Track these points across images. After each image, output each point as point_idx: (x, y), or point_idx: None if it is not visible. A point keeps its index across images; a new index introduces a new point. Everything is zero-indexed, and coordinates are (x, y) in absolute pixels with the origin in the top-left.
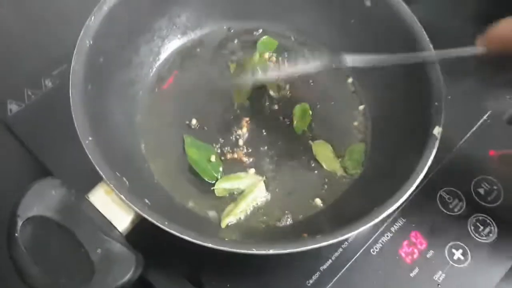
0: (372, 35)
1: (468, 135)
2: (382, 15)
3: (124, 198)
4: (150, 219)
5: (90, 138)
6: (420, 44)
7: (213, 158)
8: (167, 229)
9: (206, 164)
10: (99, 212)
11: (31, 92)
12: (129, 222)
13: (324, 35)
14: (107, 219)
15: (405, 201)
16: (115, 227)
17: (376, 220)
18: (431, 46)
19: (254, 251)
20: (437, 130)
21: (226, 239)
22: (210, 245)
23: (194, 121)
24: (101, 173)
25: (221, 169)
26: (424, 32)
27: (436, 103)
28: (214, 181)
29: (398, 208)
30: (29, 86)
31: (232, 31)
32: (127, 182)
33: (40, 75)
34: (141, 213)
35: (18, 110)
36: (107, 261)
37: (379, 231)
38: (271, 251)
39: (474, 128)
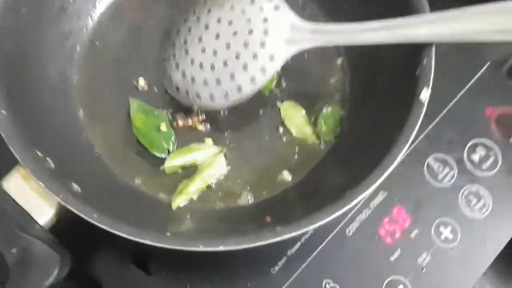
0: None
1: (462, 92)
2: None
3: (43, 185)
4: (75, 211)
5: (3, 112)
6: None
7: (163, 127)
8: (96, 223)
9: (154, 134)
10: (15, 202)
11: None
12: (52, 213)
13: None
14: (25, 210)
15: None
16: (35, 221)
17: (353, 203)
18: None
19: (201, 248)
20: (424, 94)
21: (168, 234)
22: (149, 242)
23: (141, 81)
24: (16, 155)
25: (173, 139)
26: None
27: (424, 61)
28: (164, 155)
29: None
30: None
31: None
32: (51, 163)
33: None
34: (65, 204)
35: None
36: (25, 263)
37: (356, 208)
38: (221, 247)
39: (470, 84)
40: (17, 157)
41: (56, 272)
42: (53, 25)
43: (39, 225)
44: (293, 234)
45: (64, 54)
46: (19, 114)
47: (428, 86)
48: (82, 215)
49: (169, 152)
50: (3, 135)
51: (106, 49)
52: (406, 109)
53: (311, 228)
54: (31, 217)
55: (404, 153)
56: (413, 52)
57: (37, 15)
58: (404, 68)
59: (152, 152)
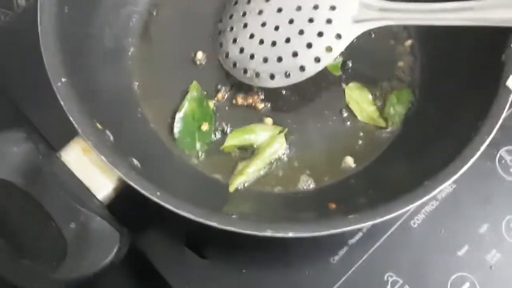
0: None
1: None
2: None
3: (105, 160)
4: (137, 188)
5: (63, 80)
6: None
7: (205, 127)
8: (159, 202)
9: (193, 130)
10: (74, 175)
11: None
12: (111, 189)
13: None
14: (84, 184)
15: None
16: (93, 195)
17: (428, 196)
18: None
19: (269, 233)
20: (511, 81)
21: (234, 216)
22: (214, 224)
23: (200, 55)
24: (76, 126)
25: (208, 141)
26: None
27: (506, 41)
28: (190, 153)
29: None
30: None
31: None
32: (111, 136)
33: None
34: (126, 179)
35: None
36: (83, 239)
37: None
38: (291, 234)
39: None
40: (77, 128)
41: (115, 250)
42: None
43: (98, 200)
44: (369, 223)
45: (120, 23)
46: (78, 83)
47: None
48: (144, 193)
49: (197, 153)
50: (62, 103)
51: (163, 20)
52: (489, 97)
53: (387, 217)
54: (90, 191)
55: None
56: (497, 36)
57: None
58: (487, 53)
59: (179, 146)
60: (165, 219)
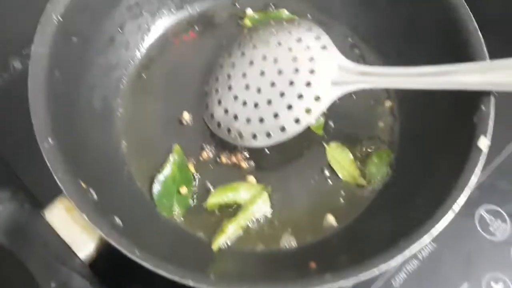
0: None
1: None
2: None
3: (86, 218)
4: (118, 247)
5: (50, 141)
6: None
7: (183, 190)
8: (138, 261)
9: (172, 193)
10: (57, 234)
11: None
12: (93, 248)
13: (348, 17)
14: (66, 243)
15: None
16: (75, 254)
17: (401, 256)
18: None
19: None
20: (483, 142)
21: (212, 277)
22: (191, 283)
23: (186, 115)
24: (60, 185)
25: (186, 206)
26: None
27: (482, 108)
28: (166, 215)
29: None
30: None
31: (238, 5)
32: (95, 195)
33: (7, 54)
34: (107, 238)
35: None
36: None
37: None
38: None
39: None
40: (61, 187)
41: None
42: (101, 56)
43: (79, 259)
44: (342, 282)
45: (110, 86)
46: (65, 144)
47: (486, 134)
48: (124, 251)
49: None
50: (48, 163)
51: (152, 82)
52: (462, 157)
53: (361, 276)
54: (72, 250)
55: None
56: (470, 98)
57: (87, 45)
58: (460, 114)
59: (156, 207)
60: (150, 278)
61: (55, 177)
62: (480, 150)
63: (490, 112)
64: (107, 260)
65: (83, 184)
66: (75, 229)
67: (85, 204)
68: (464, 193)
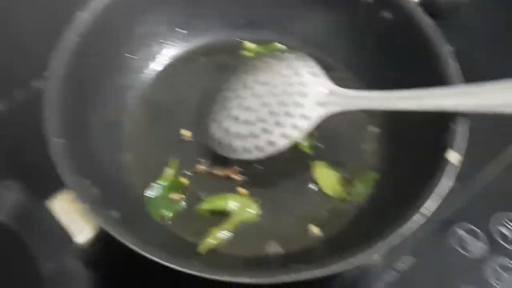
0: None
1: (497, 159)
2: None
3: (87, 208)
4: (114, 234)
5: (61, 140)
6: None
7: (175, 197)
8: (132, 247)
9: (163, 197)
10: (58, 221)
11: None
12: (91, 235)
13: (340, 52)
14: (65, 230)
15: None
16: (73, 240)
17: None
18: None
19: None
20: (454, 157)
21: (207, 266)
22: (187, 270)
23: (185, 132)
24: (63, 177)
25: (176, 212)
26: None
27: (457, 128)
28: (157, 218)
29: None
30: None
31: (238, 39)
32: (97, 191)
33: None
34: (104, 226)
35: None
36: (59, 278)
37: (384, 271)
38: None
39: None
40: (64, 180)
41: None
42: (115, 77)
43: (77, 244)
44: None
45: (120, 104)
46: (75, 146)
47: (452, 147)
48: (119, 238)
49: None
50: (52, 156)
51: (157, 103)
52: (433, 168)
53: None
54: (70, 236)
55: (433, 219)
56: (445, 120)
57: (103, 66)
58: (436, 135)
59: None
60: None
61: (57, 169)
62: (447, 161)
63: (458, 129)
64: (103, 246)
65: (87, 181)
66: (75, 218)
67: (85, 196)
68: (432, 198)
